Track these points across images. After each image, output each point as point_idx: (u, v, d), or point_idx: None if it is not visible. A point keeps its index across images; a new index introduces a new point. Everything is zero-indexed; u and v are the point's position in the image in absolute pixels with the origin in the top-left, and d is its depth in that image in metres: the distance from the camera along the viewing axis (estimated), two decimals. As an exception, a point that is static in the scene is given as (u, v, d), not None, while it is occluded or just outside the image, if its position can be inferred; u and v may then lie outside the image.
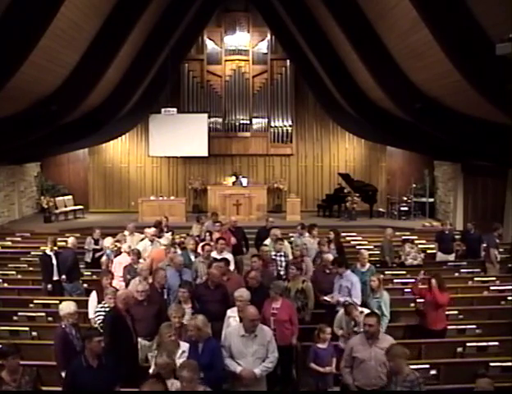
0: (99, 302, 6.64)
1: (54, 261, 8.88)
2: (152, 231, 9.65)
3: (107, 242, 9.83)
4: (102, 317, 6.17)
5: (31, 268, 10.79)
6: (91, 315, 6.73)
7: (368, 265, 7.82)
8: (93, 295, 6.95)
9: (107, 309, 6.16)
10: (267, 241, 9.13)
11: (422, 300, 7.36)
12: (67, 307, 5.74)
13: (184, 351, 5.06)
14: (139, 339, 5.87)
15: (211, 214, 12.79)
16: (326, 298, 7.12)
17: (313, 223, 10.50)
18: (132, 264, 8.06)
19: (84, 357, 4.76)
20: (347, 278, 7.02)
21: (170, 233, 10.80)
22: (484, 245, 11.21)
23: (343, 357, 5.37)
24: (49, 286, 8.83)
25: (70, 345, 5.52)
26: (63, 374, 5.06)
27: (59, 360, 5.50)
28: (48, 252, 9.00)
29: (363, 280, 7.34)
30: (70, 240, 9.36)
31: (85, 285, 9.26)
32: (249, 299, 5.82)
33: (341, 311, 6.28)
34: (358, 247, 12.27)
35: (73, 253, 9.13)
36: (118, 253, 9.13)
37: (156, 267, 8.18)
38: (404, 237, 11.57)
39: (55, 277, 8.89)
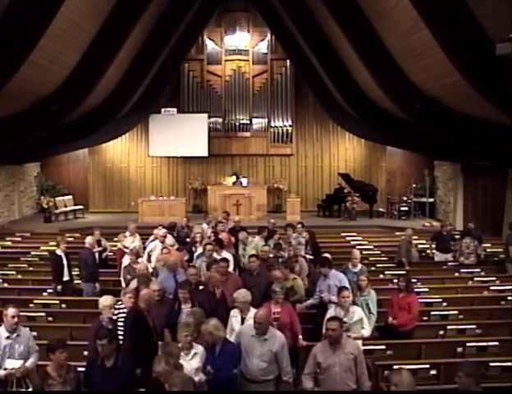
0: None
1: (65, 261, 8.70)
2: (163, 232, 9.53)
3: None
4: (122, 318, 5.94)
5: (31, 268, 10.78)
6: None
7: (359, 266, 7.79)
8: None
9: (124, 310, 5.96)
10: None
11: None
12: (105, 299, 5.79)
13: (196, 353, 4.96)
14: None
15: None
16: (322, 295, 7.10)
17: (289, 223, 10.47)
18: (131, 264, 8.02)
19: (100, 356, 4.72)
20: (335, 277, 7.02)
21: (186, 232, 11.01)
22: (484, 244, 11.21)
23: (306, 364, 5.00)
24: (59, 287, 8.66)
25: None
26: None
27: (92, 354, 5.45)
28: (59, 252, 8.79)
29: (355, 280, 7.28)
30: (88, 240, 9.04)
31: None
32: (249, 300, 5.82)
33: (332, 308, 6.29)
34: (358, 247, 12.26)
35: (91, 253, 8.92)
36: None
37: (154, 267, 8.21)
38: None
39: (65, 278, 8.72)
